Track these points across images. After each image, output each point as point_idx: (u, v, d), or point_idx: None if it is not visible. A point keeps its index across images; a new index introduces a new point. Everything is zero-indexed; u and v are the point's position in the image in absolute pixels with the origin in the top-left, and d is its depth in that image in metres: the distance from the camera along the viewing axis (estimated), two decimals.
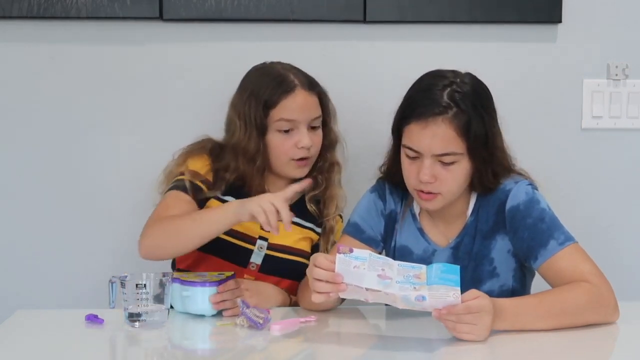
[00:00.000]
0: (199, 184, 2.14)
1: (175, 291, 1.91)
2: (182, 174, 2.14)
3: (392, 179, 2.08)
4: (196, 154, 2.18)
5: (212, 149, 2.19)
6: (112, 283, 1.89)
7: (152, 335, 1.82)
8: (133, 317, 1.84)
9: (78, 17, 2.45)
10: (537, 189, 2.00)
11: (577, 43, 2.57)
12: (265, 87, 2.14)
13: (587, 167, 2.61)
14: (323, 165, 2.23)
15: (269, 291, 2.06)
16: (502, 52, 2.56)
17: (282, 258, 2.17)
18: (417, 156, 1.92)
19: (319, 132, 2.19)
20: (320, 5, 2.48)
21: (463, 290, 1.71)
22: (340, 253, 1.75)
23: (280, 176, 2.20)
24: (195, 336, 1.88)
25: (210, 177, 2.16)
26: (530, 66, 2.58)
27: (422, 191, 1.94)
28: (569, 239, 1.92)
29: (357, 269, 1.74)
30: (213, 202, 2.15)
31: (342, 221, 2.26)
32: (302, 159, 2.15)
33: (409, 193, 2.06)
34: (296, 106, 2.13)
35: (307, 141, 2.13)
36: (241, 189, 2.16)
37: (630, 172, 2.62)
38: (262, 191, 2.15)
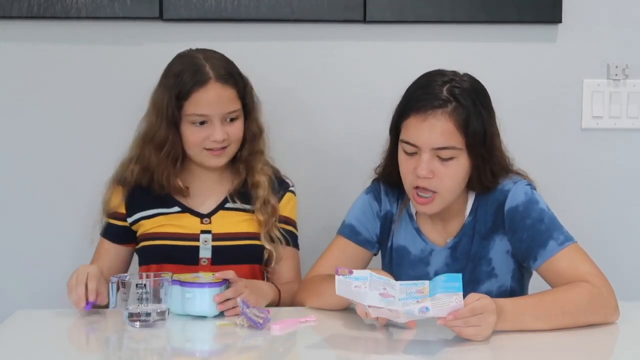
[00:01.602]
0: (115, 222, 2.20)
1: (175, 294, 1.90)
2: (105, 213, 2.23)
3: (387, 180, 2.08)
4: (113, 185, 2.22)
5: (124, 174, 2.21)
6: (112, 283, 1.89)
7: (152, 335, 1.82)
8: (133, 317, 1.84)
9: (78, 17, 2.45)
10: (535, 189, 2.00)
11: (577, 43, 2.57)
12: (180, 77, 2.11)
13: (587, 167, 2.61)
14: (242, 154, 2.20)
15: (264, 288, 2.05)
16: (502, 52, 2.57)
17: (230, 246, 2.16)
18: (415, 151, 1.92)
19: (237, 123, 2.15)
20: (320, 5, 2.48)
21: (463, 293, 1.71)
22: (339, 275, 1.75)
23: (201, 165, 2.19)
24: (195, 336, 1.88)
25: (123, 208, 2.20)
26: (530, 66, 2.58)
27: (419, 188, 1.93)
28: (568, 239, 1.92)
29: (358, 288, 1.74)
30: (141, 225, 2.18)
31: (294, 194, 2.26)
32: (216, 149, 2.13)
33: (405, 193, 2.06)
34: (208, 100, 2.10)
35: (220, 136, 2.10)
36: (151, 191, 2.18)
37: (630, 172, 2.62)
38: (174, 186, 2.16)
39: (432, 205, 1.95)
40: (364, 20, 2.51)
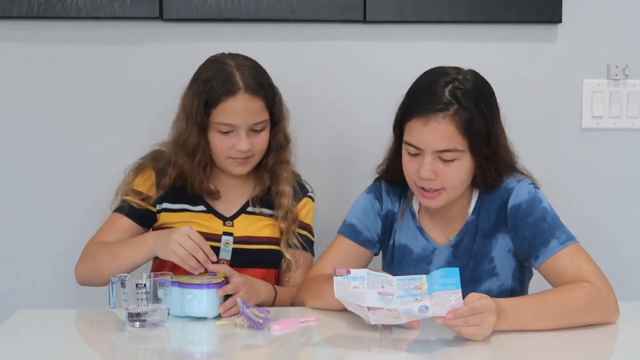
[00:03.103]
0: (140, 203, 2.17)
1: (174, 295, 1.88)
2: (127, 193, 2.19)
3: (390, 177, 2.08)
4: (142, 170, 2.21)
5: (157, 161, 2.20)
6: (112, 283, 1.88)
7: (152, 335, 1.82)
8: (133, 317, 1.84)
9: (78, 17, 2.45)
10: (538, 189, 2.00)
11: (577, 43, 2.57)
12: (209, 84, 2.10)
13: (587, 167, 2.61)
14: (267, 163, 2.21)
15: (259, 285, 2.05)
16: (502, 52, 2.56)
17: (250, 249, 2.17)
18: (418, 153, 1.92)
19: (263, 134, 2.14)
20: (320, 5, 2.48)
21: (462, 290, 1.71)
22: (337, 276, 1.75)
23: (225, 172, 2.19)
24: (195, 336, 1.88)
25: (153, 192, 2.18)
26: (530, 66, 2.58)
27: (424, 189, 1.94)
28: (570, 238, 1.92)
29: (357, 289, 1.75)
30: (164, 216, 2.17)
31: (312, 201, 2.27)
32: (240, 158, 2.13)
33: (406, 191, 2.06)
34: (236, 110, 2.09)
35: (245, 146, 2.10)
36: (183, 190, 2.17)
37: (630, 172, 2.62)
38: (206, 189, 2.17)
39: (438, 200, 1.95)
40: (364, 20, 2.51)
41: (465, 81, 1.94)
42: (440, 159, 1.91)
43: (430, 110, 1.89)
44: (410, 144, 1.93)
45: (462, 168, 1.93)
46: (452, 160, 1.91)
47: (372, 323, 1.76)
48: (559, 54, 2.58)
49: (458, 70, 1.96)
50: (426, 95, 1.92)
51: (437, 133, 1.89)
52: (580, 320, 1.82)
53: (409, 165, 1.96)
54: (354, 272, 1.77)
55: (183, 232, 1.96)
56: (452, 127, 1.89)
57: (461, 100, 1.90)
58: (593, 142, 2.61)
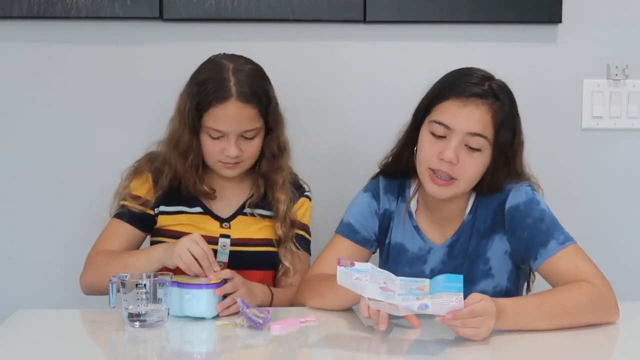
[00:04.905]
0: (140, 207, 2.16)
1: (173, 295, 1.88)
2: (126, 198, 2.18)
3: (395, 166, 2.07)
4: (138, 173, 2.20)
5: (152, 161, 2.20)
6: (112, 283, 1.88)
7: (152, 335, 1.82)
8: (133, 317, 1.83)
9: (78, 17, 2.45)
10: (536, 191, 2.00)
11: (577, 43, 2.57)
12: (203, 87, 2.09)
13: (587, 167, 2.61)
14: (261, 168, 2.19)
15: (255, 288, 2.05)
16: (502, 52, 2.57)
17: (247, 251, 2.16)
18: (444, 134, 1.92)
19: (255, 141, 2.12)
20: (320, 5, 2.48)
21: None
22: (340, 265, 1.76)
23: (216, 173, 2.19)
24: (195, 336, 1.88)
25: (151, 195, 2.17)
26: (530, 66, 2.58)
27: (440, 171, 1.92)
28: (568, 239, 1.92)
29: (359, 280, 1.75)
30: (161, 218, 2.17)
31: (309, 200, 2.26)
32: (230, 162, 2.12)
33: (404, 189, 2.06)
34: (226, 117, 2.07)
35: (233, 152, 2.08)
36: (178, 192, 2.17)
37: (630, 172, 2.62)
38: (200, 190, 2.16)
39: (447, 190, 1.94)
40: (364, 20, 2.51)
41: (500, 82, 1.97)
42: (467, 146, 1.91)
43: (471, 93, 1.91)
44: (440, 123, 1.92)
45: (482, 162, 1.93)
46: (477, 150, 1.91)
47: (373, 307, 1.75)
48: (559, 54, 2.58)
49: (489, 73, 1.98)
50: (467, 81, 1.93)
51: (474, 116, 1.90)
52: (580, 320, 1.82)
53: (429, 146, 1.94)
54: (358, 265, 1.77)
55: (192, 239, 1.96)
56: (488, 116, 1.91)
57: (499, 96, 1.93)
58: (593, 142, 2.61)
